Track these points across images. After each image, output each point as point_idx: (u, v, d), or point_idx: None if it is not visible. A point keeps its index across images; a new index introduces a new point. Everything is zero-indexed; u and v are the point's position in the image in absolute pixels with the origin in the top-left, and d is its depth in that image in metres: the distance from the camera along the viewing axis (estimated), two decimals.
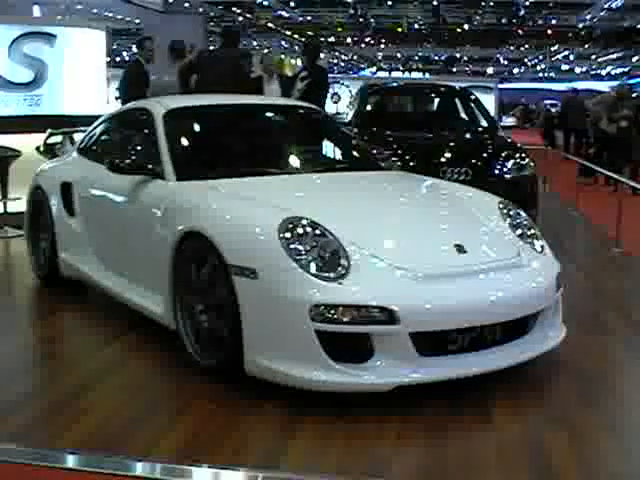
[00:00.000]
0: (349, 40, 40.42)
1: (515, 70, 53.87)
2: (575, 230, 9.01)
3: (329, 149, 5.48)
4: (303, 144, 5.34)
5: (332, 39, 38.89)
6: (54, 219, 5.36)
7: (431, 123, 8.31)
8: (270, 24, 33.78)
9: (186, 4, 21.89)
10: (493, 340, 3.62)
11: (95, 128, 5.59)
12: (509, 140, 7.82)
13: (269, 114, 5.60)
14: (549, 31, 34.65)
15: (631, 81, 29.54)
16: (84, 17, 19.10)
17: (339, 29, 36.80)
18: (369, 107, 8.71)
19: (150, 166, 4.44)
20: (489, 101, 20.40)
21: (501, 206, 4.33)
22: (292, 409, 3.42)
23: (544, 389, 3.82)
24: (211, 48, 18.02)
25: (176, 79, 7.68)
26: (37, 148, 6.44)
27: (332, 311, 3.33)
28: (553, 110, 24.50)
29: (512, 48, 41.82)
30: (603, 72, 49.55)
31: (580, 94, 17.43)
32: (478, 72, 49.50)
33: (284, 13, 32.20)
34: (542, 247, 4.12)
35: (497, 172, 7.06)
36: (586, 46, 38.69)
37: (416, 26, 36.05)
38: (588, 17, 31.07)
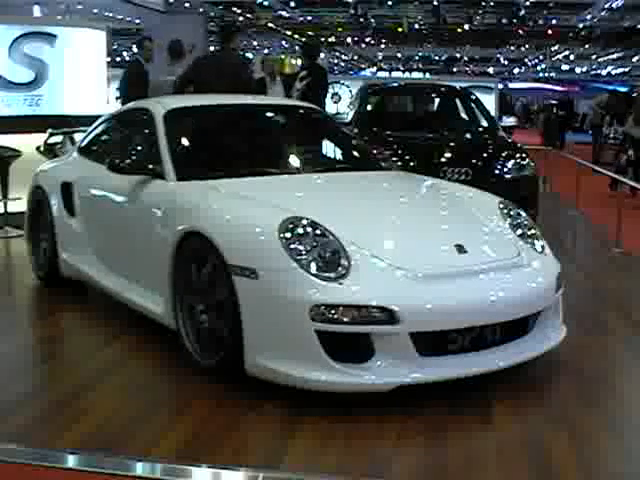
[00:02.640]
0: (349, 40, 40.36)
1: (515, 70, 53.82)
2: (575, 230, 9.01)
3: (329, 149, 5.48)
4: (303, 144, 5.34)
5: (332, 39, 38.83)
6: (54, 219, 5.36)
7: (431, 123, 8.32)
8: (270, 24, 33.73)
9: (186, 4, 21.87)
10: (493, 340, 3.62)
11: (95, 128, 5.59)
12: (509, 140, 7.82)
13: (269, 114, 5.60)
14: (549, 31, 34.59)
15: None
16: (84, 17, 19.10)
17: (339, 29, 36.74)
18: (369, 107, 8.71)
19: (150, 166, 4.44)
20: (489, 101, 20.33)
21: (501, 206, 4.33)
22: (292, 409, 3.42)
23: (544, 389, 3.82)
24: (211, 49, 18.05)
25: (174, 90, 7.68)
26: (37, 148, 6.44)
27: (332, 311, 3.33)
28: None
29: (512, 48, 41.78)
30: (603, 72, 49.53)
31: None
32: (481, 72, 49.48)
33: (284, 13, 32.13)
34: (542, 247, 4.12)
35: (497, 172, 7.06)
36: (586, 46, 38.65)
37: (416, 26, 35.97)
38: (588, 17, 31.02)
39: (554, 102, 24.99)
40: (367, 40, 40.07)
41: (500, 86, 24.54)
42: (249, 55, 31.18)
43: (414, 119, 8.97)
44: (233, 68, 7.64)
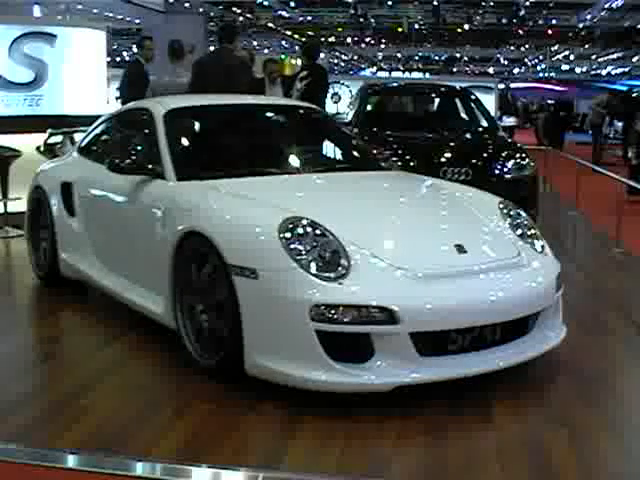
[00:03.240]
0: (349, 40, 40.38)
1: (515, 70, 53.83)
2: (575, 230, 9.00)
3: (329, 149, 5.48)
4: (303, 144, 5.34)
5: (332, 39, 38.85)
6: (54, 219, 5.36)
7: (431, 123, 8.32)
8: (270, 24, 33.74)
9: (186, 4, 21.89)
10: (493, 340, 3.62)
11: (95, 128, 5.59)
12: (509, 140, 7.82)
13: (269, 114, 5.60)
14: (549, 31, 34.62)
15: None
16: (84, 17, 19.06)
17: (339, 29, 36.76)
18: (369, 107, 8.72)
19: (150, 166, 4.44)
20: (489, 101, 20.32)
21: (501, 206, 4.33)
22: (292, 409, 3.42)
23: (544, 389, 3.82)
24: (211, 48, 18.06)
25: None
26: (37, 148, 6.44)
27: (332, 311, 3.33)
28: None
29: (512, 48, 41.80)
30: (603, 72, 49.53)
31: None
32: (480, 72, 49.48)
33: (284, 13, 32.13)
34: (542, 247, 4.12)
35: (497, 172, 7.06)
36: (586, 46, 38.67)
37: (416, 26, 36.00)
38: (588, 17, 31.02)
39: (554, 102, 25.00)
40: (367, 40, 40.10)
41: (502, 86, 24.53)
42: None
43: (414, 119, 8.99)
44: (232, 68, 7.64)
